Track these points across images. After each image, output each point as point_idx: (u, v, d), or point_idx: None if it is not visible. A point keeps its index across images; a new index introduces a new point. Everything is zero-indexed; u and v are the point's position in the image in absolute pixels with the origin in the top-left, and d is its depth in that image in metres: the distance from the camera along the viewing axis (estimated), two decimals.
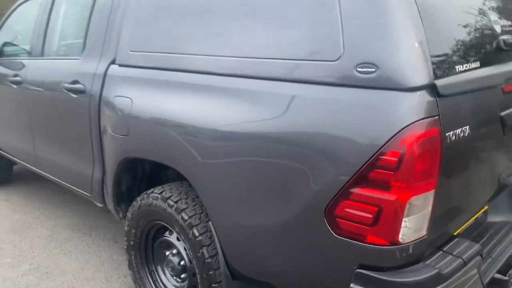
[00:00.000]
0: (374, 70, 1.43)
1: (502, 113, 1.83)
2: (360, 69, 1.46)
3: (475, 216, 1.94)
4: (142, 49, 2.29)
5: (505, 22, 2.04)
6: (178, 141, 1.99)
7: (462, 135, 1.54)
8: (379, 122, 1.41)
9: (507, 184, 2.15)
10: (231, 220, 1.87)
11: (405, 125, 1.37)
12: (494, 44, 1.86)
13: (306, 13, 1.62)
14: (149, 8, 2.30)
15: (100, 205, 2.82)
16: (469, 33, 1.74)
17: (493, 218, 2.18)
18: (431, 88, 1.42)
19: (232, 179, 1.82)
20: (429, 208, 1.48)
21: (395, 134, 1.38)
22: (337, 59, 1.51)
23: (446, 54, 1.54)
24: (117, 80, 2.42)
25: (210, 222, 1.97)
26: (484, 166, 1.89)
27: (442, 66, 1.50)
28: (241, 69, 1.80)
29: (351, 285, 1.52)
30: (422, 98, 1.40)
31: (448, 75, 1.50)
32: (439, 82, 1.43)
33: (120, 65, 2.43)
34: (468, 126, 1.58)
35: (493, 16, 1.96)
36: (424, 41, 1.43)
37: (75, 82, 2.69)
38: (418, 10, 1.46)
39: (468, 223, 1.88)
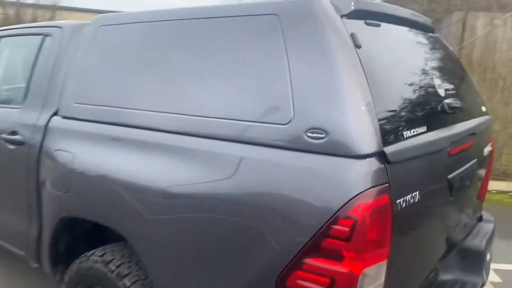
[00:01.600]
0: (323, 136, 1.41)
1: (449, 176, 1.86)
2: (310, 134, 1.43)
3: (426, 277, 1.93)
4: (87, 101, 2.19)
5: (448, 85, 2.12)
6: (121, 201, 1.88)
7: (412, 201, 1.54)
8: (329, 189, 1.38)
9: (455, 243, 2.17)
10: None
11: (355, 193, 1.34)
12: (439, 108, 1.91)
13: (257, 74, 1.61)
14: (95, 60, 2.22)
15: (35, 265, 2.58)
16: (415, 98, 1.78)
17: (444, 277, 2.17)
18: (380, 155, 1.41)
19: (176, 243, 1.71)
20: (382, 278, 1.43)
21: (346, 203, 1.34)
22: (287, 123, 1.49)
23: (393, 120, 1.56)
24: (59, 132, 2.28)
25: None
26: (434, 229, 1.90)
27: (391, 132, 1.50)
28: (188, 127, 1.74)
29: None
30: (372, 166, 1.38)
31: (396, 141, 1.51)
32: (388, 149, 1.43)
33: (64, 117, 2.30)
34: (417, 192, 1.57)
35: (437, 80, 2.03)
36: (372, 108, 1.43)
37: (13, 132, 2.52)
38: (365, 76, 1.48)
39: (420, 284, 1.86)
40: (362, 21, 1.71)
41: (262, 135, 1.54)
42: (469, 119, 2.23)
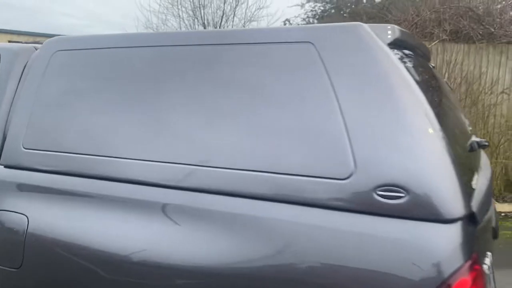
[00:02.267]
0: (402, 195, 1.10)
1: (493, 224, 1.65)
2: (382, 193, 1.12)
3: None
4: (44, 146, 1.70)
5: (465, 119, 1.94)
6: (99, 281, 1.42)
7: (487, 265, 1.28)
8: (416, 265, 1.07)
9: None
10: None
11: (452, 270, 1.05)
12: (470, 147, 1.70)
13: (296, 113, 1.27)
14: (53, 93, 1.74)
15: None
16: (462, 138, 1.56)
17: None
18: (471, 217, 1.14)
19: None
20: None
21: (441, 284, 1.04)
22: (347, 178, 1.16)
23: (464, 169, 1.30)
24: (2, 187, 1.75)
25: None
26: None
27: (467, 185, 1.24)
28: (205, 182, 1.35)
29: None
30: (466, 231, 1.10)
31: (472, 196, 1.25)
32: (475, 208, 1.16)
33: (7, 167, 1.77)
34: (489, 252, 1.32)
35: (461, 115, 1.85)
36: (455, 156, 1.16)
37: None
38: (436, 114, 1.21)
39: None
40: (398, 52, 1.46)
41: (312, 194, 1.20)
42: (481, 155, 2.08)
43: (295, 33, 1.36)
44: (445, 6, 7.39)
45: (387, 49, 1.28)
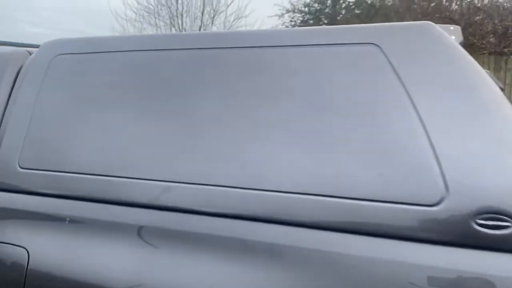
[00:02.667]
0: (509, 224, 0.92)
1: None
2: (483, 222, 0.94)
3: None
4: (45, 165, 1.44)
5: None
6: None
7: None
8: None
9: None
10: None
11: None
12: None
13: (368, 127, 1.08)
14: (55, 103, 1.50)
15: None
16: None
17: None
18: None
19: None
20: None
21: None
22: (436, 204, 0.98)
23: None
24: None
25: None
26: None
27: None
28: (261, 210, 1.13)
29: None
30: None
31: None
32: None
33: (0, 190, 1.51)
34: None
35: None
36: None
37: None
38: None
39: None
40: None
41: (391, 223, 1.00)
42: None
43: (355, 33, 1.17)
44: (427, 17, 7.45)
45: (464, 51, 1.11)
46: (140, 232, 1.24)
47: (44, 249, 1.34)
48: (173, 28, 13.66)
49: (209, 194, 1.18)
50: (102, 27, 17.18)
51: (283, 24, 12.75)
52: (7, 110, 1.60)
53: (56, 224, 1.37)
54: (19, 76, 1.64)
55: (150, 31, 13.31)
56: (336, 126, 1.10)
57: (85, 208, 1.35)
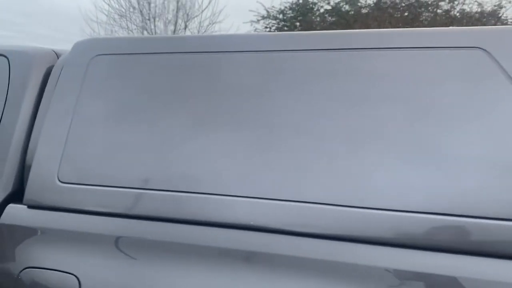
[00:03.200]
0: None
1: None
2: None
3: None
4: (92, 179, 1.28)
5: None
6: None
7: None
8: None
9: None
10: None
11: None
12: None
13: (483, 138, 1.00)
14: (108, 103, 1.34)
15: None
16: None
17: None
18: None
19: None
20: None
21: None
22: None
23: None
24: (30, 235, 1.30)
25: None
26: None
27: None
28: (367, 231, 1.02)
29: None
30: None
31: None
32: None
33: (34, 207, 1.33)
34: None
35: None
36: None
37: None
38: None
39: None
40: None
41: None
42: None
43: (457, 36, 1.09)
44: (407, 26, 7.59)
45: None
46: (219, 254, 1.11)
47: (96, 275, 1.18)
48: (145, 32, 13.37)
49: (304, 212, 1.06)
50: (68, 30, 16.57)
51: (255, 30, 12.71)
52: (38, 116, 1.43)
53: (109, 246, 1.21)
54: (50, 80, 1.46)
55: (121, 33, 12.96)
56: (446, 137, 1.02)
57: (145, 228, 1.20)
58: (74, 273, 1.18)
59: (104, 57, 1.40)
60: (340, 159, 1.07)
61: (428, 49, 1.09)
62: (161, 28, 13.26)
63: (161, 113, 1.27)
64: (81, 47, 1.45)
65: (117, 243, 1.20)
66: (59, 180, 1.30)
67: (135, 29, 13.16)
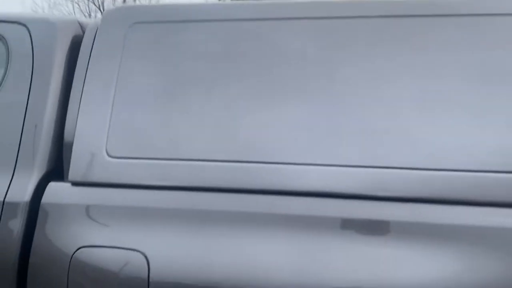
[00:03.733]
0: None
1: None
2: None
3: None
4: (144, 152, 1.23)
5: None
6: None
7: None
8: None
9: None
10: None
11: None
12: None
13: None
14: (157, 70, 1.28)
15: None
16: None
17: None
18: None
19: None
20: None
21: None
22: None
23: None
24: (78, 213, 1.24)
25: None
26: None
27: None
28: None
29: None
30: None
31: None
32: None
33: (80, 184, 1.26)
34: None
35: None
36: None
37: None
38: None
39: None
40: None
41: None
42: None
43: None
44: None
45: None
46: (301, 222, 1.11)
47: (165, 252, 1.15)
48: (90, 4, 12.71)
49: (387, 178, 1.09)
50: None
51: None
52: (73, 90, 1.34)
53: (175, 221, 1.18)
54: (81, 50, 1.37)
55: (65, 6, 12.24)
56: None
57: (214, 199, 1.18)
58: (141, 250, 1.14)
59: (145, 25, 1.33)
60: (416, 122, 1.10)
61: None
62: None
63: (217, 82, 1.24)
64: (114, 16, 1.37)
65: (184, 216, 1.17)
66: (108, 155, 1.24)
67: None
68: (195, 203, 1.18)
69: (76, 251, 1.18)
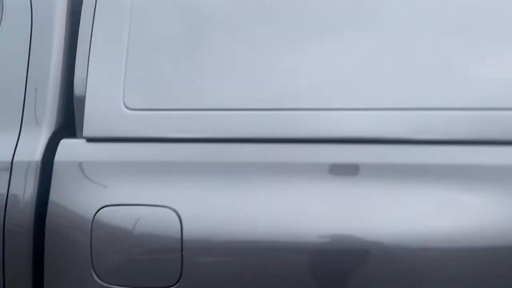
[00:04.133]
0: None
1: None
2: None
3: None
4: (166, 103, 1.14)
5: None
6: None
7: None
8: None
9: None
10: None
11: None
12: None
13: None
14: (173, 12, 1.17)
15: None
16: None
17: None
18: None
19: None
20: None
21: None
22: None
23: None
24: (97, 170, 1.15)
25: None
26: None
27: None
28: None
29: None
30: None
31: None
32: None
33: (95, 140, 1.16)
34: None
35: None
36: None
37: None
38: None
39: None
40: None
41: None
42: None
43: None
44: None
45: None
46: (341, 170, 1.06)
47: (197, 208, 1.08)
48: None
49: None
50: None
51: None
52: (79, 40, 1.22)
53: (204, 174, 1.10)
54: None
55: None
56: None
57: (242, 151, 1.11)
58: (172, 207, 1.07)
59: None
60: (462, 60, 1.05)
61: None
62: None
63: (245, 23, 1.14)
64: None
65: (214, 170, 1.10)
66: (126, 107, 1.15)
67: None
68: (225, 155, 1.10)
69: (98, 210, 1.10)
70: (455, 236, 0.97)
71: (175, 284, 1.05)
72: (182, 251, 1.04)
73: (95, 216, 1.09)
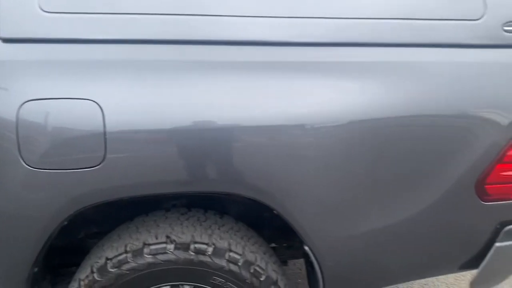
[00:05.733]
0: None
1: None
2: (508, 28, 1.39)
3: None
4: (85, 6, 1.25)
5: None
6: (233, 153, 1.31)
7: None
8: None
9: None
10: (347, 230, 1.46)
11: None
12: None
13: None
14: None
15: None
16: None
17: None
18: None
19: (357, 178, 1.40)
20: None
21: None
22: (479, 18, 1.38)
23: None
24: (15, 69, 1.24)
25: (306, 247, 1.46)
26: None
27: None
28: (342, 35, 1.34)
29: (496, 244, 1.54)
30: None
31: None
32: None
33: (12, 41, 1.25)
34: None
35: None
36: None
37: None
38: None
39: None
40: None
41: (450, 35, 1.37)
42: None
43: None
44: None
45: None
46: (239, 67, 1.30)
47: (117, 100, 1.25)
48: None
49: None
50: None
51: None
52: None
53: (120, 71, 1.27)
54: None
55: None
56: None
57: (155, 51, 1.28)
58: (93, 99, 1.23)
59: None
60: None
61: None
62: None
63: None
64: None
65: (130, 67, 1.26)
66: (42, 10, 1.24)
67: None
68: (138, 54, 1.27)
69: (22, 105, 1.21)
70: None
71: (98, 165, 1.24)
72: (105, 135, 1.22)
73: (19, 111, 1.21)
